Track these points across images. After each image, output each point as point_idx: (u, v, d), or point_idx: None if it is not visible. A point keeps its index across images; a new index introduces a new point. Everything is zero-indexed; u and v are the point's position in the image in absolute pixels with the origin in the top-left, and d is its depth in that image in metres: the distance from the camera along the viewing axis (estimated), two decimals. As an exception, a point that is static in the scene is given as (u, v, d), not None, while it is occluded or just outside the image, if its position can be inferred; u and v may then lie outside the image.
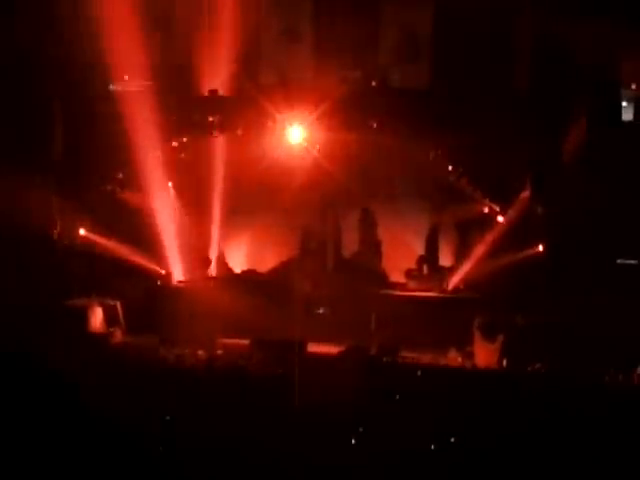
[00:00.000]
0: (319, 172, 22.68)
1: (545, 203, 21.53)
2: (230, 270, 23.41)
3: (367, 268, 22.80)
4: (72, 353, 16.34)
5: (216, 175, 23.14)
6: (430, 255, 22.91)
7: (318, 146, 22.75)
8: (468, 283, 21.62)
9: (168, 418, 14.12)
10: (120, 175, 22.40)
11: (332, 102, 21.88)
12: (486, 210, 22.15)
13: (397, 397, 15.58)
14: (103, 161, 21.83)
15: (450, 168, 21.80)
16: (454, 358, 19.29)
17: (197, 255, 22.96)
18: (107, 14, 21.49)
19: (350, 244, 23.64)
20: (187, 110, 22.87)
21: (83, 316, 20.09)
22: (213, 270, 23.16)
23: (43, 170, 21.61)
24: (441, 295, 21.57)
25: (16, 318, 17.98)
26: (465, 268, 21.79)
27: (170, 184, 22.99)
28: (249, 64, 23.22)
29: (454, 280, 21.82)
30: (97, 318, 20.35)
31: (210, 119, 22.80)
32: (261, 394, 15.22)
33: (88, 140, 21.87)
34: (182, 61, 22.91)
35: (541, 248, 21.40)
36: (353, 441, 13.83)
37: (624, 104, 22.63)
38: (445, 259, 22.96)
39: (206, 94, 22.96)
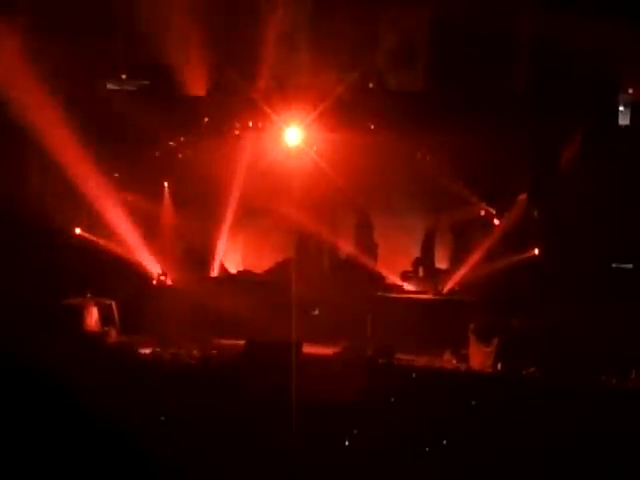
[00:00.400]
0: (316, 174, 22.70)
1: (541, 207, 21.56)
2: (226, 271, 23.42)
3: (363, 270, 22.80)
4: (68, 351, 16.35)
5: (213, 176, 23.14)
6: (426, 257, 22.94)
7: (315, 148, 22.79)
8: (464, 286, 21.64)
9: (163, 418, 14.13)
10: (116, 174, 22.40)
11: (329, 104, 21.90)
12: (482, 213, 22.18)
13: (392, 399, 15.59)
14: (103, 160, 21.82)
15: (447, 171, 21.83)
16: (449, 360, 19.31)
17: (193, 255, 22.96)
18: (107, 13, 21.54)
19: (346, 246, 23.64)
20: (183, 110, 22.88)
21: (78, 315, 20.08)
22: (209, 270, 23.16)
23: (41, 168, 21.61)
24: (437, 297, 21.60)
25: (12, 316, 17.96)
26: (461, 271, 21.82)
27: (166, 184, 23.02)
28: (247, 66, 23.22)
29: (450, 283, 21.85)
30: (92, 317, 20.35)
31: (205, 120, 22.85)
32: (255, 395, 15.21)
33: (85, 139, 21.84)
34: (178, 61, 22.91)
35: (537, 252, 21.43)
36: (347, 443, 13.83)
37: (621, 108, 22.65)
38: (441, 262, 22.99)
39: (203, 94, 22.98)
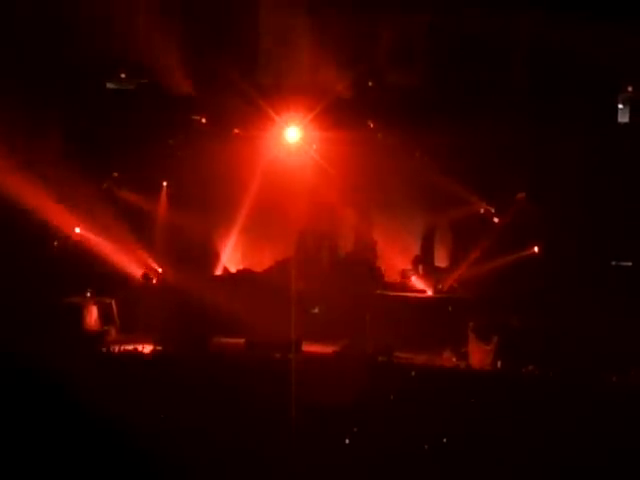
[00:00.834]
0: (315, 172, 22.73)
1: (540, 205, 21.57)
2: (226, 270, 23.42)
3: (363, 268, 22.80)
4: (67, 350, 16.37)
5: (212, 176, 23.15)
6: (426, 256, 22.94)
7: (315, 146, 22.82)
8: (463, 284, 21.64)
9: (162, 416, 14.14)
10: (116, 174, 22.42)
11: (329, 103, 21.91)
12: (482, 212, 22.19)
13: (392, 397, 15.59)
14: (99, 160, 21.83)
15: (446, 169, 21.84)
16: (449, 358, 19.31)
17: (193, 255, 22.96)
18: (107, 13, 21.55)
19: (346, 244, 23.65)
20: (182, 109, 22.90)
21: (78, 314, 20.08)
22: (209, 269, 23.16)
23: (40, 169, 21.60)
24: (436, 296, 21.59)
25: (13, 315, 17.99)
26: (460, 269, 21.82)
27: (165, 184, 23.05)
28: (246, 65, 23.23)
29: (449, 281, 21.85)
30: (92, 316, 20.35)
31: (204, 120, 22.87)
32: (256, 393, 15.22)
33: (86, 139, 21.86)
34: (178, 60, 22.91)
35: (536, 250, 21.45)
36: (347, 440, 13.84)
37: (620, 106, 22.67)
38: (440, 260, 22.99)
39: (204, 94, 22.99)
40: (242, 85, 22.61)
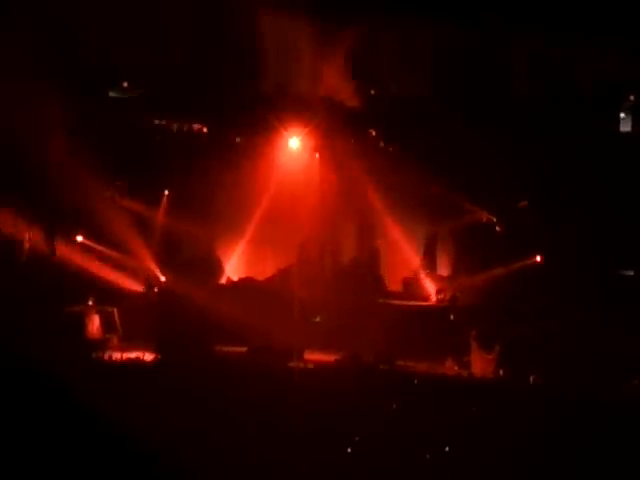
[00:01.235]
0: (318, 181, 22.77)
1: (542, 214, 21.57)
2: (229, 278, 23.43)
3: (365, 277, 22.80)
4: (69, 358, 16.35)
5: (215, 184, 23.19)
6: (428, 265, 22.92)
7: (317, 155, 22.87)
8: (466, 292, 21.63)
9: (164, 423, 14.11)
10: (119, 182, 22.44)
11: (331, 111, 21.94)
12: (484, 220, 22.20)
13: (394, 405, 15.57)
14: (102, 168, 21.84)
15: (448, 178, 21.86)
16: (451, 367, 19.29)
17: (196, 263, 22.97)
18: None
19: (348, 253, 23.65)
20: (187, 117, 22.95)
21: (80, 322, 20.08)
22: (212, 278, 23.16)
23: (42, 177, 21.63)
24: (438, 304, 21.58)
25: (15, 323, 17.97)
26: (462, 278, 21.82)
27: (167, 192, 23.07)
28: (249, 73, 23.25)
29: (451, 289, 21.84)
30: (94, 324, 20.34)
31: (204, 129, 22.91)
32: (257, 401, 15.20)
33: (87, 147, 21.86)
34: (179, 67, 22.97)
35: (538, 259, 21.45)
36: (349, 449, 13.82)
37: (622, 115, 22.68)
38: (443, 269, 22.98)
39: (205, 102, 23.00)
40: (244, 93, 22.65)
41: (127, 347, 20.03)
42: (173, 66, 23.02)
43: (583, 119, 21.38)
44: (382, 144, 22.94)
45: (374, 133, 22.67)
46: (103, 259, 21.95)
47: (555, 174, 21.36)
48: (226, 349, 19.66)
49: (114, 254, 22.06)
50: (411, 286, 22.74)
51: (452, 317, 20.85)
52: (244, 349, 19.14)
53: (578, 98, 21.37)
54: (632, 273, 21.59)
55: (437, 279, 22.58)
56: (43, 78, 21.14)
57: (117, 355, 19.48)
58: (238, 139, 23.33)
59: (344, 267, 23.55)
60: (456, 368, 19.22)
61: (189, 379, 16.15)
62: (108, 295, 21.31)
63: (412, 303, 21.81)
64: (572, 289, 20.27)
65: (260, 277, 23.22)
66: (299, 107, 22.35)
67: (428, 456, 13.64)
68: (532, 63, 22.01)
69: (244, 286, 22.76)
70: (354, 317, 20.46)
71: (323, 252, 23.58)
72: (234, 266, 23.71)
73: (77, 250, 22.07)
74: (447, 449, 13.85)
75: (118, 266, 21.98)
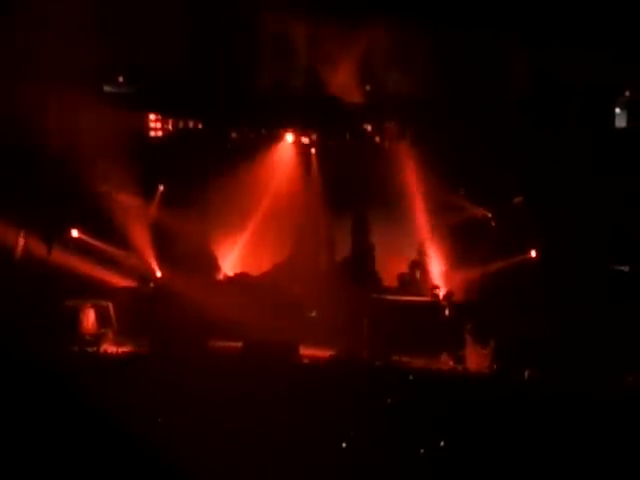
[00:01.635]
0: (313, 176, 22.79)
1: (538, 209, 21.59)
2: (223, 273, 23.43)
3: (360, 272, 22.82)
4: (64, 352, 16.37)
5: (210, 178, 23.21)
6: (423, 260, 22.94)
7: (314, 150, 22.90)
8: (461, 288, 21.66)
9: (159, 420, 14.13)
10: (114, 177, 22.42)
11: (327, 107, 21.96)
12: (480, 216, 22.21)
13: (389, 401, 15.59)
14: (97, 163, 21.84)
15: (444, 173, 21.88)
16: (446, 362, 19.31)
17: (190, 258, 22.97)
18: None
19: (343, 248, 23.67)
20: (179, 113, 22.94)
21: (75, 317, 20.06)
22: (207, 273, 23.17)
23: (40, 169, 21.64)
24: (433, 299, 21.59)
25: (9, 318, 17.97)
26: (458, 273, 21.84)
27: (161, 187, 23.08)
28: (244, 69, 23.25)
29: (447, 285, 21.85)
30: (89, 319, 20.32)
31: (200, 125, 22.92)
32: (252, 396, 15.21)
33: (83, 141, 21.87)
34: (174, 64, 22.95)
35: (534, 254, 21.48)
36: (344, 444, 13.83)
37: (617, 110, 22.68)
38: (438, 264, 22.99)
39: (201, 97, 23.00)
40: (240, 89, 22.65)
41: (122, 341, 20.05)
42: (169, 61, 23.04)
43: (578, 114, 21.37)
44: (378, 140, 22.93)
45: (370, 129, 22.64)
46: (98, 254, 21.96)
47: (550, 170, 21.36)
48: (221, 344, 19.66)
49: (109, 249, 22.07)
50: (406, 282, 22.74)
51: (447, 312, 20.86)
52: (239, 344, 19.12)
53: (573, 93, 21.36)
54: (627, 269, 21.62)
55: (432, 274, 22.57)
56: (38, 75, 21.18)
57: (112, 349, 19.52)
58: (234, 134, 23.31)
59: (340, 262, 23.58)
60: (451, 363, 19.24)
61: (183, 374, 16.18)
62: (103, 290, 21.32)
63: (407, 298, 21.82)
64: (567, 284, 20.32)
65: (255, 272, 23.23)
66: (295, 103, 22.37)
67: (422, 451, 13.67)
68: (526, 58, 21.99)
69: (239, 281, 22.78)
70: (349, 312, 20.46)
71: (318, 247, 23.59)
72: (229, 261, 23.73)
73: (72, 245, 22.08)
74: (442, 444, 13.88)
75: (113, 261, 21.98)
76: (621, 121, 22.62)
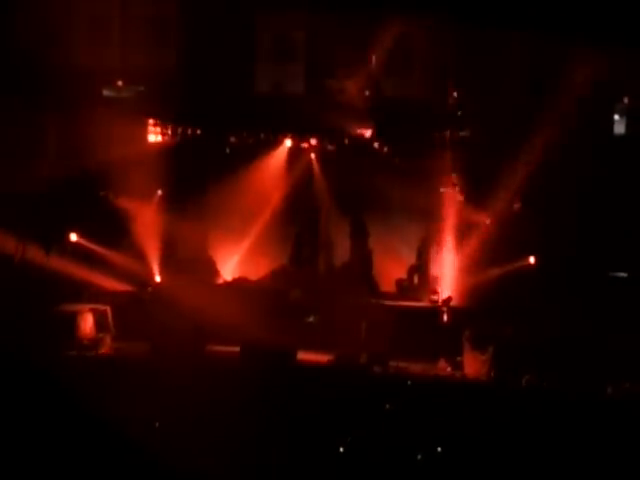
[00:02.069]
0: (312, 181, 22.80)
1: (536, 215, 21.59)
2: (222, 277, 23.42)
3: (358, 277, 22.80)
4: (61, 357, 16.34)
5: (208, 182, 23.21)
6: (421, 265, 22.92)
7: (313, 155, 22.93)
8: (459, 293, 21.64)
9: (157, 424, 14.13)
10: (113, 181, 22.42)
11: (325, 111, 21.96)
12: (478, 222, 22.20)
13: (387, 406, 15.58)
14: (95, 167, 21.84)
15: (442, 178, 21.90)
16: (444, 368, 19.29)
17: (188, 262, 22.97)
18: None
19: (341, 253, 23.65)
20: (177, 117, 22.94)
21: (73, 321, 20.02)
22: (205, 277, 23.14)
23: (37, 174, 21.62)
24: (431, 305, 21.58)
25: (6, 323, 17.96)
26: (456, 278, 21.82)
27: (159, 192, 23.08)
28: (242, 73, 23.25)
29: (445, 290, 21.84)
30: (87, 323, 20.28)
31: (198, 129, 22.95)
32: (249, 401, 15.21)
33: (80, 145, 21.86)
34: (172, 67, 22.96)
35: (532, 260, 21.47)
36: (341, 449, 13.83)
37: (617, 117, 22.69)
38: (436, 269, 22.97)
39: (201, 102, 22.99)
40: (238, 93, 22.65)
41: (120, 346, 20.02)
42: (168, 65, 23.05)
43: (576, 121, 21.38)
44: (377, 145, 22.93)
45: (368, 133, 22.64)
46: (97, 258, 21.95)
47: (548, 176, 21.36)
48: (219, 348, 19.64)
49: (108, 253, 22.06)
50: (405, 287, 22.73)
51: (445, 318, 20.84)
52: (237, 349, 19.10)
53: (571, 100, 21.37)
54: (625, 275, 21.62)
55: (430, 280, 22.56)
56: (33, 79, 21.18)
57: (109, 354, 19.49)
58: (233, 139, 23.31)
59: (338, 267, 23.57)
60: (449, 369, 19.22)
61: (181, 378, 16.17)
62: (101, 294, 21.30)
63: (405, 304, 21.80)
64: (565, 290, 20.31)
65: (254, 277, 23.21)
66: (293, 107, 22.36)
67: (420, 457, 13.66)
68: (525, 64, 21.99)
69: (238, 286, 22.74)
70: (348, 318, 20.43)
71: (317, 252, 23.59)
72: (228, 266, 23.71)
73: (70, 249, 22.07)
74: (439, 449, 13.87)
75: (112, 265, 21.96)
76: (620, 128, 22.62)
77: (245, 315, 19.77)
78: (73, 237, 22.11)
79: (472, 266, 21.77)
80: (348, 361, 18.97)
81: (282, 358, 18.37)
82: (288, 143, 23.28)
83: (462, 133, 21.56)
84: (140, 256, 22.41)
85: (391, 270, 23.06)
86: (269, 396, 15.45)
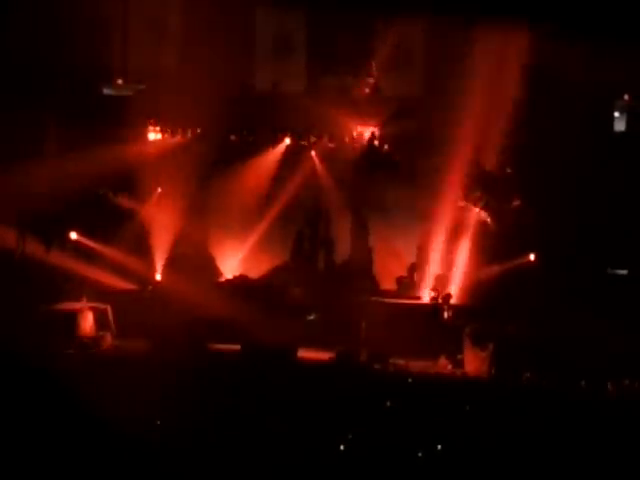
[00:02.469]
0: (312, 179, 22.82)
1: (536, 212, 21.60)
2: (222, 275, 23.44)
3: (358, 275, 22.82)
4: (63, 355, 16.35)
5: (209, 181, 23.22)
6: (421, 263, 22.93)
7: (314, 153, 22.94)
8: (459, 291, 21.66)
9: (158, 422, 14.14)
10: (113, 180, 22.45)
11: (325, 109, 21.98)
12: (478, 219, 22.21)
13: (387, 404, 15.59)
14: (95, 166, 21.86)
15: (442, 176, 21.90)
16: (444, 365, 19.30)
17: (190, 260, 22.98)
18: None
19: (342, 251, 23.67)
20: (177, 115, 22.95)
21: (73, 319, 20.05)
22: (206, 275, 23.16)
23: (36, 173, 21.64)
24: (432, 302, 21.59)
25: (7, 321, 17.97)
26: (456, 276, 21.84)
27: (159, 189, 23.10)
28: (242, 71, 23.26)
29: (445, 288, 21.84)
30: (87, 322, 20.31)
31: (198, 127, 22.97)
32: (250, 399, 15.22)
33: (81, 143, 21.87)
34: (173, 65, 22.97)
35: (532, 257, 21.48)
36: (342, 447, 13.83)
37: (617, 115, 22.70)
38: (436, 267, 22.98)
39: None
40: (238, 91, 22.66)
41: (121, 344, 20.04)
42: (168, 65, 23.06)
43: (577, 118, 21.38)
44: (376, 142, 22.94)
45: (368, 132, 22.66)
46: (97, 256, 21.98)
47: (548, 173, 21.37)
48: (219, 346, 19.65)
49: (108, 251, 22.08)
50: (405, 285, 22.74)
51: (446, 316, 20.86)
52: (237, 346, 19.13)
53: (572, 97, 21.37)
54: (626, 272, 21.63)
55: (431, 278, 22.58)
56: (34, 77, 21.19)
57: (110, 352, 19.52)
58: (233, 137, 23.33)
59: (338, 265, 23.58)
60: (449, 366, 19.23)
61: (182, 376, 16.19)
62: (102, 292, 21.32)
63: (406, 301, 21.82)
64: (566, 287, 20.32)
65: (254, 275, 23.23)
66: (294, 105, 22.37)
67: (420, 454, 13.66)
68: (525, 62, 21.97)
69: (238, 284, 22.76)
70: (348, 315, 20.45)
71: (317, 250, 23.60)
72: (229, 264, 23.73)
73: (71, 247, 22.10)
74: (439, 447, 13.87)
75: (112, 263, 21.98)
76: (620, 125, 22.63)
77: (246, 313, 19.80)
78: (73, 235, 22.14)
79: (472, 264, 21.78)
80: (348, 359, 18.98)
81: (283, 356, 18.39)
82: (288, 141, 23.30)
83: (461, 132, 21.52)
84: (140, 254, 22.43)
85: (392, 268, 23.07)
86: (269, 394, 15.44)
